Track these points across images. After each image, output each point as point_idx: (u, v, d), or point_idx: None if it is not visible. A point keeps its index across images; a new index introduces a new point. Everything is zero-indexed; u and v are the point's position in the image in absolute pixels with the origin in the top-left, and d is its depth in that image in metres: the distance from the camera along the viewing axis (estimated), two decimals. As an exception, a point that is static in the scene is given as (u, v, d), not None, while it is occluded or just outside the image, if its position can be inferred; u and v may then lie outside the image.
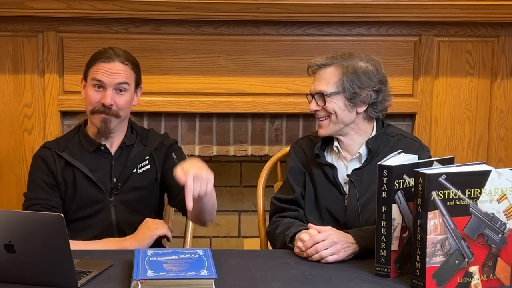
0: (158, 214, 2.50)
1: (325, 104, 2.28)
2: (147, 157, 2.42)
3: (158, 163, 2.43)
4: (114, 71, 2.33)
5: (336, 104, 2.27)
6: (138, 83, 2.42)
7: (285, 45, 3.09)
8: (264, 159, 3.11)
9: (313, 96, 2.31)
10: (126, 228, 2.37)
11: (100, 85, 2.33)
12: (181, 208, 2.40)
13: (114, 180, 2.38)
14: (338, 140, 2.35)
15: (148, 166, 2.41)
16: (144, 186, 2.41)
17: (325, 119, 2.31)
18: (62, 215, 1.80)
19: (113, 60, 2.33)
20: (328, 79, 2.28)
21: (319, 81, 2.30)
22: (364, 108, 2.29)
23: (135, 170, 2.40)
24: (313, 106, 2.31)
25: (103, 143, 2.39)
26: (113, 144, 2.41)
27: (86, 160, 2.38)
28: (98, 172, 2.38)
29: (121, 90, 2.34)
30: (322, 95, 2.28)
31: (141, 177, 2.40)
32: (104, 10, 2.92)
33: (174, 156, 2.38)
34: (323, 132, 2.33)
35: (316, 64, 2.31)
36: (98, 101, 2.32)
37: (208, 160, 3.50)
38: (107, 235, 2.35)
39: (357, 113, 2.30)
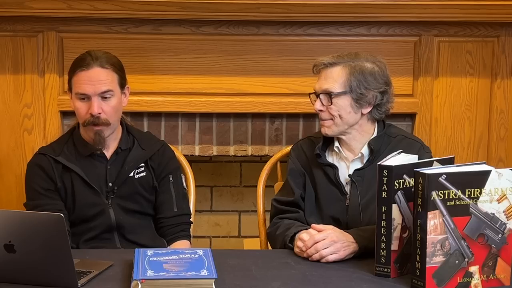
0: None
1: (331, 104, 2.26)
2: (143, 164, 2.41)
3: (153, 172, 2.42)
4: (95, 78, 2.28)
5: (342, 104, 2.26)
6: (123, 84, 2.37)
7: (285, 45, 3.09)
8: (264, 159, 3.11)
9: (317, 96, 2.29)
10: (127, 229, 2.38)
11: (85, 97, 2.30)
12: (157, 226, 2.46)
13: (110, 184, 2.37)
14: (339, 140, 2.35)
15: (144, 174, 2.41)
16: (141, 192, 2.41)
17: (329, 120, 2.29)
18: (62, 215, 1.80)
19: (91, 66, 2.28)
20: (336, 78, 2.26)
21: (325, 80, 2.27)
22: (369, 109, 2.28)
23: (132, 174, 2.39)
24: (318, 106, 2.28)
25: (98, 151, 2.37)
26: (108, 149, 2.40)
27: (82, 164, 2.37)
28: (94, 176, 2.37)
29: (106, 97, 2.30)
30: (329, 95, 2.26)
31: (138, 182, 2.40)
32: (104, 10, 2.92)
33: (171, 180, 2.41)
34: (326, 131, 2.30)
35: (323, 63, 2.28)
36: (87, 112, 2.30)
37: (208, 160, 3.50)
38: (107, 236, 2.37)
39: (362, 114, 2.29)
